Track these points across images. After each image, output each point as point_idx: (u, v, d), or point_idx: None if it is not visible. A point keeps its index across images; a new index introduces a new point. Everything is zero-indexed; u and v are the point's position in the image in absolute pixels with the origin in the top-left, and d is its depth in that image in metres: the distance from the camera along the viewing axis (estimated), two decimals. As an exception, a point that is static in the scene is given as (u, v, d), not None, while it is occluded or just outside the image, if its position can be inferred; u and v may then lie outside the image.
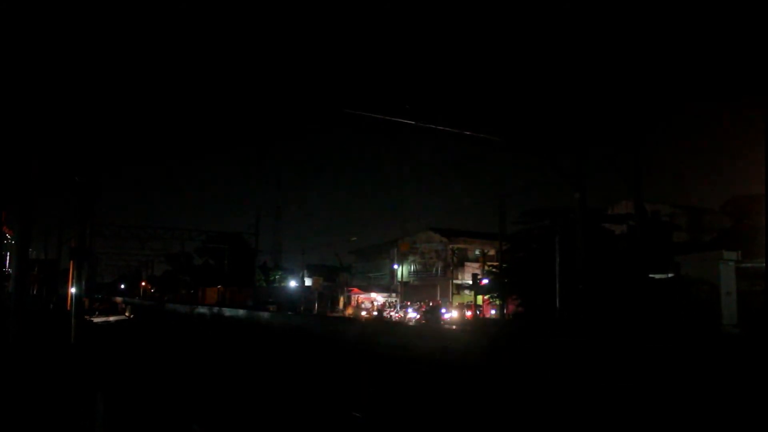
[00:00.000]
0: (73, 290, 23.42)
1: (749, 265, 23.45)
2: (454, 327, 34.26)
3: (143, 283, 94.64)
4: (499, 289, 36.08)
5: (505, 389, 14.12)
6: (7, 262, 27.48)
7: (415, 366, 17.77)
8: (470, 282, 44.60)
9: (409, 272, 60.57)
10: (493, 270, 39.85)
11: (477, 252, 55.30)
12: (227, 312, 42.44)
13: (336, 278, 69.89)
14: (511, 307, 35.14)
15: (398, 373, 17.09)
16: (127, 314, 63.47)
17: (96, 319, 45.33)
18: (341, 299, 59.13)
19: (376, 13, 18.41)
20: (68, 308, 26.87)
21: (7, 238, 24.89)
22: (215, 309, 47.01)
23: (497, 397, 13.61)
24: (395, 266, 60.99)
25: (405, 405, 12.86)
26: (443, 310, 42.89)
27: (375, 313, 49.18)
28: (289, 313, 44.63)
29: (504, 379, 14.91)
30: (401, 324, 39.07)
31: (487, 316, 42.28)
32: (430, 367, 17.28)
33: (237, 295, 60.96)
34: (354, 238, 70.54)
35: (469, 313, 43.02)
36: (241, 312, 40.78)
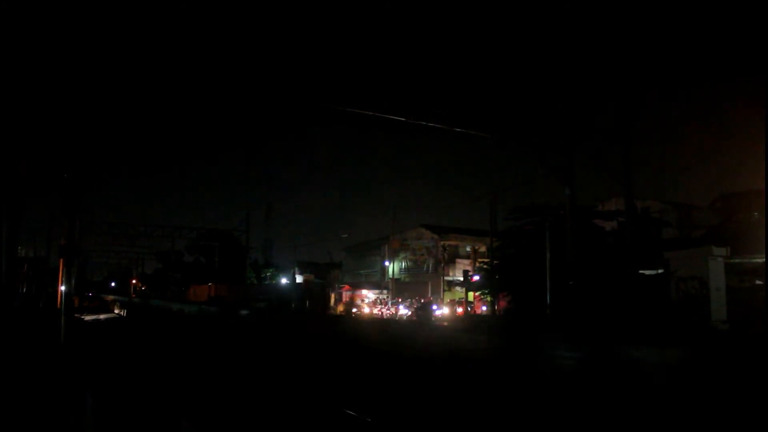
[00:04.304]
0: (62, 288, 23.29)
1: (738, 261, 23.62)
2: (445, 323, 34.33)
3: (134, 281, 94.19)
4: (490, 285, 36.16)
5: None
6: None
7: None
8: (461, 278, 44.70)
9: (401, 269, 60.62)
10: (484, 266, 39.94)
11: (468, 248, 55.41)
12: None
13: (327, 275, 69.85)
14: (502, 304, 35.21)
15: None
16: (117, 312, 63.22)
17: (86, 317, 45.10)
18: (332, 296, 59.11)
19: (369, 11, 18.39)
20: (58, 306, 26.75)
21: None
22: (204, 306, 46.89)
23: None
24: (386, 263, 61.02)
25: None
26: (434, 307, 42.96)
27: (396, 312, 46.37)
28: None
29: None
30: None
31: (478, 312, 42.39)
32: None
33: (224, 292, 60.70)
34: (345, 235, 70.63)
35: (460, 310, 43.11)
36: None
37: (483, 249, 47.72)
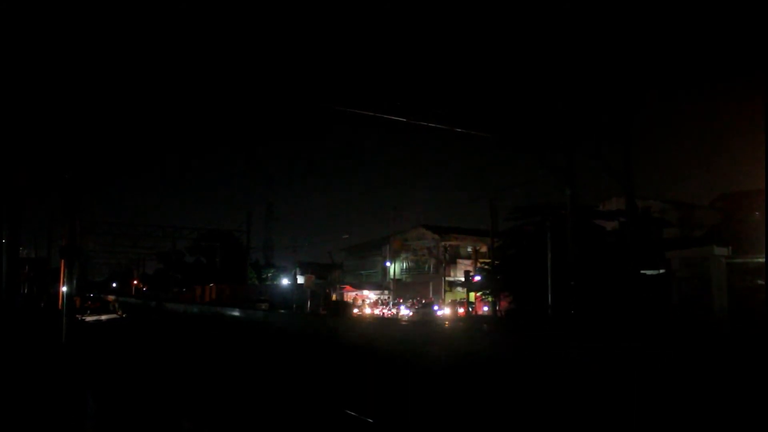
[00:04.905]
0: (64, 289, 23.32)
1: (740, 260, 23.54)
2: (446, 323, 34.32)
3: (135, 282, 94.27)
4: (491, 285, 36.13)
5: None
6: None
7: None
8: (462, 279, 44.67)
9: (402, 269, 60.61)
10: (485, 267, 39.90)
11: (469, 249, 55.39)
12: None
13: (328, 276, 69.85)
14: (504, 304, 35.19)
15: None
16: (119, 313, 63.17)
17: (88, 318, 45.09)
18: (333, 297, 59.08)
19: (370, 11, 18.38)
20: (59, 307, 26.78)
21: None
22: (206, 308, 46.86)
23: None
24: (387, 264, 61.00)
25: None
26: (435, 307, 42.94)
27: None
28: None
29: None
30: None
31: (480, 312, 42.36)
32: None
33: (226, 293, 60.65)
34: (346, 236, 70.56)
35: (461, 310, 43.09)
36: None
37: (484, 249, 47.68)
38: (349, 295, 59.77)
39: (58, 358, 16.74)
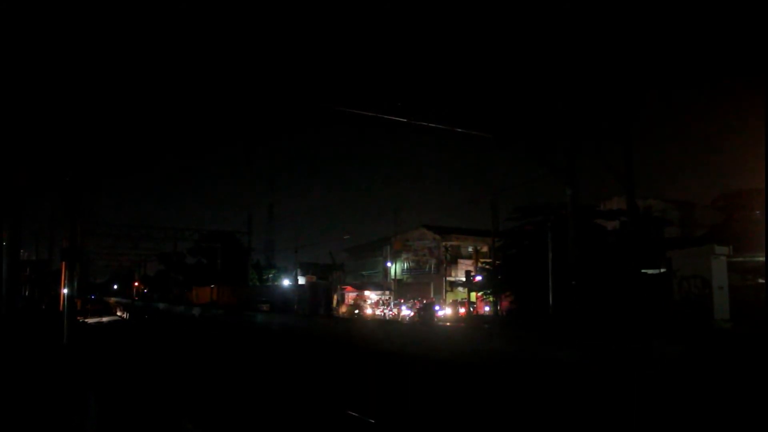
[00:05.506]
0: (65, 291, 23.35)
1: (741, 259, 23.55)
2: (447, 323, 34.32)
3: (136, 283, 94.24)
4: (493, 285, 36.10)
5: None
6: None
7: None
8: (464, 279, 44.66)
9: (403, 270, 60.62)
10: (486, 267, 39.88)
11: (470, 249, 55.42)
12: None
13: (329, 276, 69.84)
14: (505, 304, 35.17)
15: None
16: (120, 314, 63.21)
17: (89, 320, 45.15)
18: (335, 298, 59.10)
19: (369, 11, 18.40)
20: (60, 309, 26.81)
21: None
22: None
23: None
24: (389, 264, 61.01)
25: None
26: (437, 308, 42.94)
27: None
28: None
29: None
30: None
31: (481, 312, 42.36)
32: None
33: (228, 295, 60.61)
34: (347, 236, 70.56)
35: (462, 310, 43.09)
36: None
37: (485, 249, 47.68)
38: (351, 295, 59.78)
39: (59, 359, 16.76)
